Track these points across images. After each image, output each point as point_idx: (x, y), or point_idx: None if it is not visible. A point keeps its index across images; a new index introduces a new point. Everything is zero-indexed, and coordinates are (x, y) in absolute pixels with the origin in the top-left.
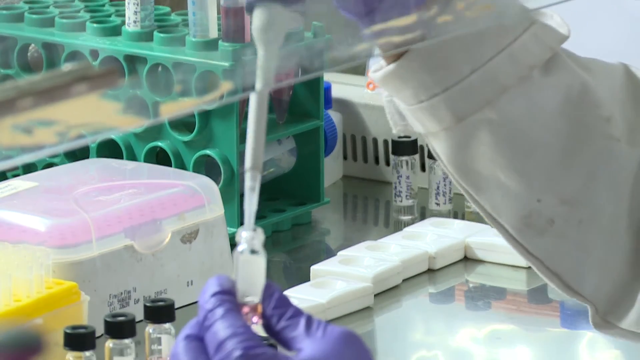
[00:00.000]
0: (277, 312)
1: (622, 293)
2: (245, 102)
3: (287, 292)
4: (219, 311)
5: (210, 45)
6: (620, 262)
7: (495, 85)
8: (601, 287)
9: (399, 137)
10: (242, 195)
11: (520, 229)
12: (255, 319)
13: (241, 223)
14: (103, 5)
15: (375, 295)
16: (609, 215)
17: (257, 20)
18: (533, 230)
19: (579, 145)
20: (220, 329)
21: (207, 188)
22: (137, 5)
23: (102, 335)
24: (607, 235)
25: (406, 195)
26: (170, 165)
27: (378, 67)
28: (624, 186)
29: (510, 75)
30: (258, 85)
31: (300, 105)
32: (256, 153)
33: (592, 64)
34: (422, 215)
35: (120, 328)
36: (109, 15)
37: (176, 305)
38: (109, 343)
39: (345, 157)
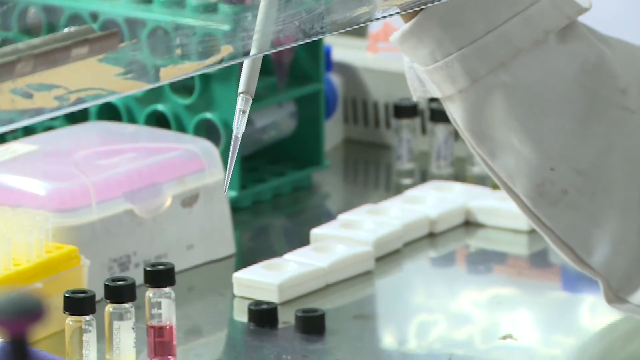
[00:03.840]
0: None
1: (635, 269)
2: None
3: (287, 256)
4: None
5: (210, 7)
6: (633, 237)
7: (510, 46)
8: (613, 261)
9: (400, 100)
10: (242, 159)
11: (534, 199)
12: None
13: (242, 185)
14: None
15: (376, 259)
16: (622, 188)
17: None
18: (546, 200)
19: (593, 115)
20: None
21: (207, 152)
22: None
23: (102, 299)
24: (621, 209)
25: (407, 159)
26: (170, 129)
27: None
28: (639, 159)
29: (524, 38)
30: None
31: (300, 69)
32: (250, 79)
33: (612, 40)
34: (423, 179)
35: (120, 292)
36: None
37: (176, 270)
38: (109, 307)
39: (346, 121)
